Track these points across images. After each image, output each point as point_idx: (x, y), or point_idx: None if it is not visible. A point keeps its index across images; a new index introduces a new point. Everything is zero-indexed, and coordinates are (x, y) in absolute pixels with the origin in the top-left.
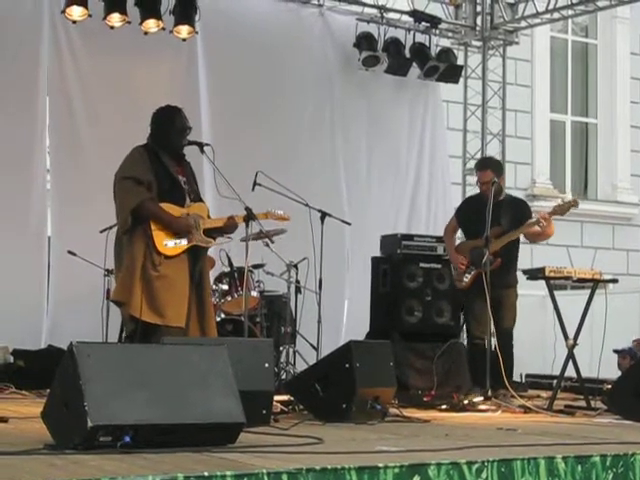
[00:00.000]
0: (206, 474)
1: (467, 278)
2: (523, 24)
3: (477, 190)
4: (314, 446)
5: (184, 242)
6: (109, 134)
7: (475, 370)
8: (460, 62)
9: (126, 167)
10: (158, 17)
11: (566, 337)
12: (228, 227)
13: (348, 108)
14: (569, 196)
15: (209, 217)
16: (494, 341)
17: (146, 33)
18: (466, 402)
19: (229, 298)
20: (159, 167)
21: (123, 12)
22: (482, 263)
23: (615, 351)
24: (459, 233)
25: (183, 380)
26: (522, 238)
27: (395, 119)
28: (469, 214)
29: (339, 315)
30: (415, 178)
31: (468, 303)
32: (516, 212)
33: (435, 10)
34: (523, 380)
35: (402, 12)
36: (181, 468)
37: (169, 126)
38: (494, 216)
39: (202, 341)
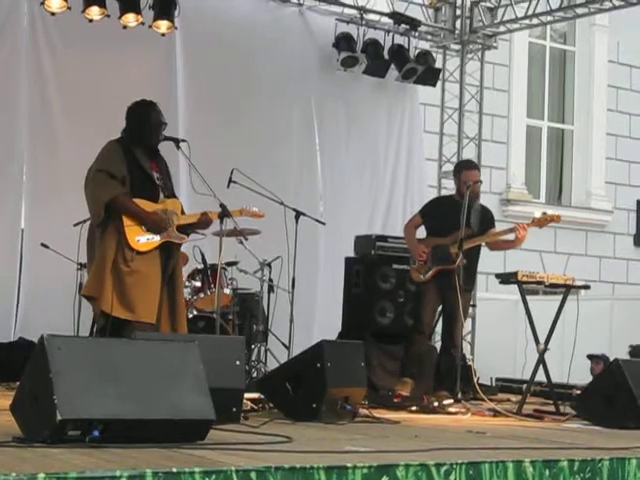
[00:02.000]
0: (174, 470)
1: (427, 274)
2: (502, 29)
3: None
4: (283, 445)
5: (157, 238)
6: (85, 128)
7: (411, 360)
8: (438, 65)
9: (100, 160)
10: (137, 11)
11: (537, 342)
12: (201, 223)
13: (326, 108)
14: (549, 211)
15: (183, 213)
16: (466, 345)
17: (125, 27)
18: (436, 404)
19: (202, 295)
20: (133, 162)
21: (102, 5)
22: (456, 264)
23: (589, 356)
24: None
25: (154, 376)
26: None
27: (373, 120)
28: (437, 213)
29: (311, 314)
30: (391, 180)
31: (426, 293)
32: (483, 218)
33: (415, 12)
34: (493, 383)
35: (382, 14)
36: (149, 464)
37: (144, 121)
38: (465, 219)
39: (173, 337)
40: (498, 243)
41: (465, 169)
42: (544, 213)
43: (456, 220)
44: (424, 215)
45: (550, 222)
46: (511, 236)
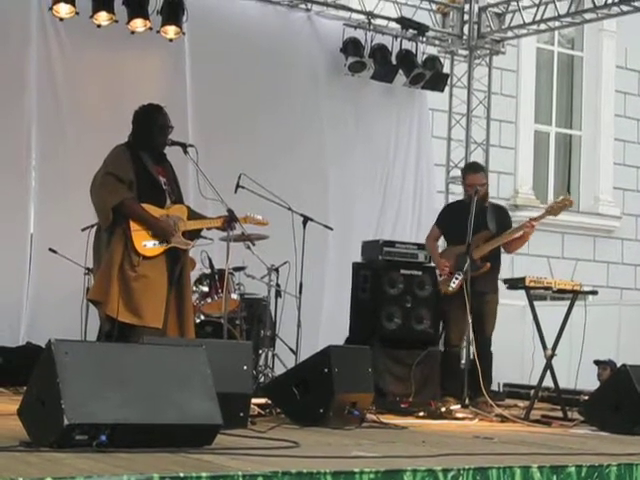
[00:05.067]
0: (182, 475)
1: (454, 283)
2: (510, 34)
3: (460, 198)
4: (290, 450)
5: (163, 243)
6: (95, 133)
7: (449, 378)
8: (446, 70)
9: (109, 164)
10: (145, 17)
11: (545, 347)
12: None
13: (335, 113)
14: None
15: (189, 219)
16: (472, 349)
17: (133, 32)
18: (443, 410)
19: (209, 300)
20: (140, 167)
21: (110, 11)
22: (464, 269)
23: (596, 362)
24: (441, 241)
25: (161, 380)
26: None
27: (381, 125)
28: (453, 221)
29: (319, 319)
30: (400, 185)
31: (451, 309)
32: (500, 218)
33: (422, 18)
34: (501, 389)
35: (389, 19)
36: (157, 468)
37: (151, 125)
38: (481, 221)
39: (181, 342)
40: (511, 243)
41: (470, 173)
42: (555, 201)
43: (473, 224)
44: (440, 225)
45: (564, 209)
46: (521, 231)
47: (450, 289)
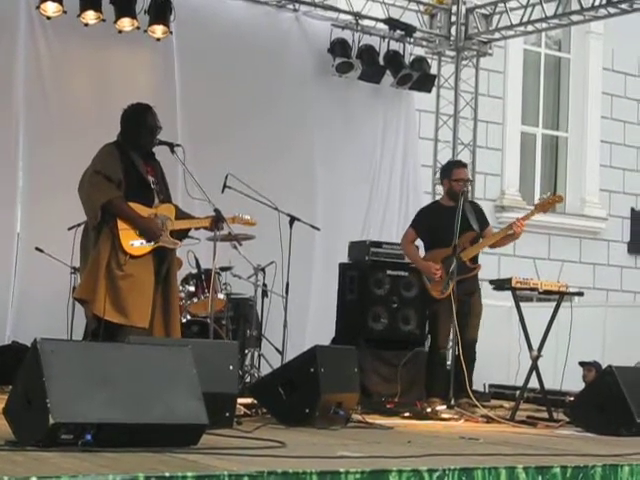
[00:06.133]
0: (167, 474)
1: (447, 288)
2: (497, 36)
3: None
4: (276, 450)
5: (150, 242)
6: (82, 132)
7: (437, 380)
8: (433, 71)
9: (97, 163)
10: (133, 16)
11: (530, 348)
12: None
13: (322, 113)
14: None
15: (177, 218)
16: (458, 349)
17: (120, 32)
18: (429, 410)
19: (195, 300)
20: (129, 166)
21: (98, 10)
22: (451, 271)
23: (581, 363)
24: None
25: (147, 380)
26: None
27: (369, 126)
28: (433, 224)
29: (305, 320)
30: (387, 186)
31: (441, 312)
32: (479, 216)
33: (410, 19)
34: (486, 390)
35: (377, 20)
36: (142, 468)
37: (140, 124)
38: (464, 221)
39: (167, 342)
40: (503, 239)
41: (456, 167)
42: (542, 197)
43: (453, 226)
44: (417, 228)
45: (553, 204)
46: (510, 231)
47: (443, 294)
